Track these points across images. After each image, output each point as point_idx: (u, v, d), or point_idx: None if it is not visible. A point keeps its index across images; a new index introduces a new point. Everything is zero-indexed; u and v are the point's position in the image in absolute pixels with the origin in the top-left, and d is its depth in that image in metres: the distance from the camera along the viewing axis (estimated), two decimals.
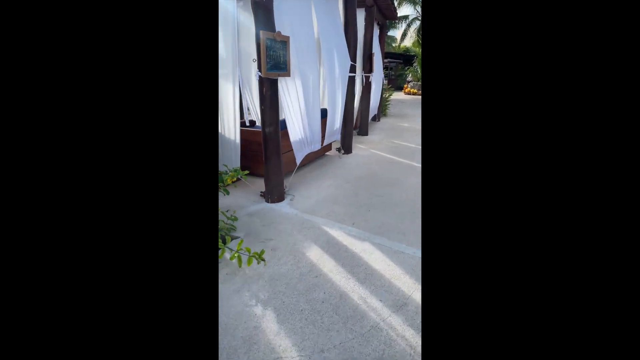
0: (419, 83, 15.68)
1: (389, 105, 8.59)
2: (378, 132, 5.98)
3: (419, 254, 1.95)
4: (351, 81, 4.08)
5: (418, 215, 2.46)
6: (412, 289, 1.64)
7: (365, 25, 5.08)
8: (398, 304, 1.53)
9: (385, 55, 19.73)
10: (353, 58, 4.03)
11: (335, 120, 3.68)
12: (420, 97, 14.62)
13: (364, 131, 5.64)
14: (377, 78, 6.00)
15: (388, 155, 4.31)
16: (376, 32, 6.09)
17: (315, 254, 1.94)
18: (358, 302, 1.55)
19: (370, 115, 6.26)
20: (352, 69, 4.03)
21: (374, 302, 1.54)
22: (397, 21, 16.85)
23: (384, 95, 8.08)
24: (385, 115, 8.05)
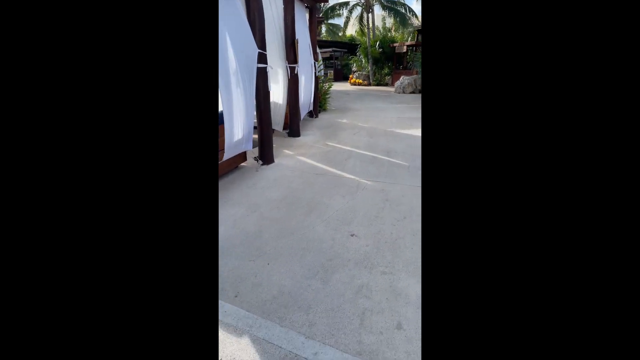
0: (364, 73, 15.27)
1: (329, 99, 7.89)
2: (313, 132, 5.23)
3: (323, 355, 1.23)
4: (262, 74, 3.24)
5: (335, 267, 1.75)
6: None
7: (285, 5, 4.24)
8: None
9: (330, 44, 19.25)
10: (262, 45, 3.18)
11: (235, 128, 2.81)
12: (365, 87, 14.22)
13: (295, 131, 4.86)
14: (306, 69, 5.21)
15: (317, 164, 3.58)
16: (303, 15, 5.28)
17: None
18: None
19: (304, 112, 5.50)
20: (262, 58, 3.18)
21: None
22: (338, 8, 16.19)
23: (323, 88, 7.36)
24: (325, 109, 7.34)
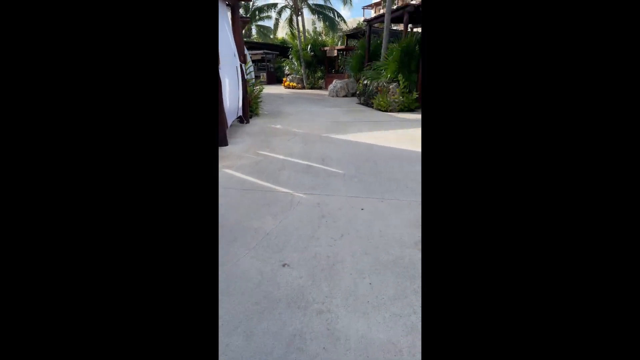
0: (298, 76, 15.15)
1: (262, 103, 7.50)
2: (243, 139, 4.82)
3: None
4: None
5: (262, 313, 1.43)
6: None
7: None
8: None
9: (262, 46, 18.72)
10: None
11: None
12: (299, 90, 14.10)
13: (221, 140, 4.38)
14: (231, 71, 4.78)
15: (246, 177, 3.21)
16: (224, 13, 4.83)
17: None
18: None
19: (232, 118, 5.04)
20: None
21: None
22: (267, 9, 15.81)
23: (253, 92, 6.93)
24: (257, 114, 6.93)
